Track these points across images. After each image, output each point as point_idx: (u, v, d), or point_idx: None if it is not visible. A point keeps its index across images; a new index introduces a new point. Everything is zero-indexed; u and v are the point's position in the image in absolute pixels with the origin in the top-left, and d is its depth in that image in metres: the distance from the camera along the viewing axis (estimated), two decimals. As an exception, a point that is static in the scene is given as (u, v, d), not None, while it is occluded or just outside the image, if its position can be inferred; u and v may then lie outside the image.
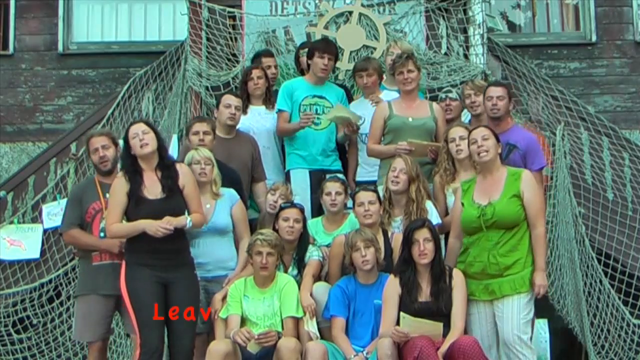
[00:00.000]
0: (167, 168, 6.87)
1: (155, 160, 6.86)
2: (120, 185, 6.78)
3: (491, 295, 6.77)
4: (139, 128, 6.84)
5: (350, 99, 8.84)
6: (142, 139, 6.77)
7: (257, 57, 9.29)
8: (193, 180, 7.04)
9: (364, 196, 7.34)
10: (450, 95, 8.56)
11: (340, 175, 8.17)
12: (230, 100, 8.24)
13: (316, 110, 8.47)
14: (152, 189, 6.78)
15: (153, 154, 6.84)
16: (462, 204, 6.98)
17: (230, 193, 7.56)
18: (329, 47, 8.59)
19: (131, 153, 6.83)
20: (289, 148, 8.54)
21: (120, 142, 7.28)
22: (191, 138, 7.78)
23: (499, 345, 6.81)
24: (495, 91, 7.86)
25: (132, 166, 6.82)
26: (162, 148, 6.96)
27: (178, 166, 6.97)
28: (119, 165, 7.37)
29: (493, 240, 6.75)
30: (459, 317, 6.75)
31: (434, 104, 8.34)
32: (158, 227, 6.55)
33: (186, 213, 6.83)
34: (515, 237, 6.77)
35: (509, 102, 7.93)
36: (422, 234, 6.79)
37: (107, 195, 7.13)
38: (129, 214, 6.74)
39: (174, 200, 6.79)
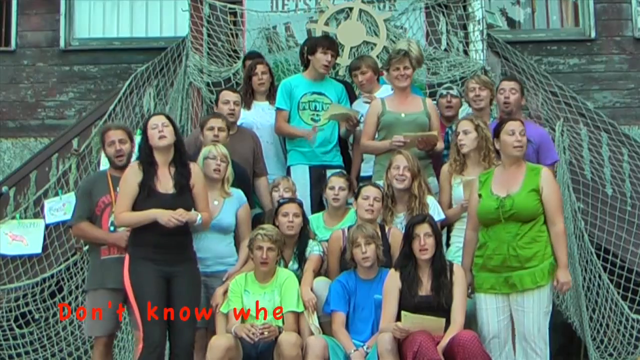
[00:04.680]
0: (182, 165, 6.90)
1: (171, 156, 6.88)
2: (133, 174, 6.81)
3: (512, 289, 6.72)
4: (159, 120, 6.87)
5: (351, 94, 8.84)
6: (162, 130, 6.79)
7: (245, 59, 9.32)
8: (203, 180, 7.06)
9: (371, 191, 7.37)
10: (451, 91, 8.59)
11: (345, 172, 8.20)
12: (228, 96, 8.26)
13: (315, 107, 8.48)
14: (164, 183, 6.81)
15: (169, 148, 6.85)
16: (480, 195, 6.95)
17: (239, 194, 7.58)
18: (333, 44, 8.61)
19: (148, 144, 6.86)
20: (290, 145, 8.54)
21: (137, 137, 7.32)
22: (206, 133, 7.75)
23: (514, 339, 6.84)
24: (508, 84, 8.02)
25: (148, 157, 6.84)
26: (180, 144, 6.97)
27: (190, 165, 6.99)
28: (132, 159, 7.39)
29: (512, 232, 6.72)
30: (458, 312, 6.77)
31: (427, 99, 8.38)
32: (170, 217, 6.59)
33: (193, 211, 6.86)
34: (533, 230, 6.73)
35: (521, 96, 8.00)
36: (423, 229, 6.81)
37: (118, 189, 7.10)
38: (138, 205, 6.75)
39: (183, 197, 6.81)
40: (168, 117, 7.00)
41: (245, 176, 7.90)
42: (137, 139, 7.22)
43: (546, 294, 6.74)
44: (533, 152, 7.65)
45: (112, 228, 7.21)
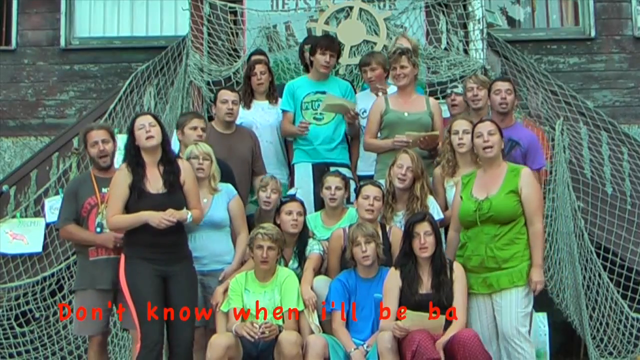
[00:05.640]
0: (169, 163, 6.89)
1: (159, 155, 6.89)
2: (122, 177, 6.81)
3: (489, 289, 6.76)
4: (145, 120, 6.86)
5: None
6: (149, 130, 6.80)
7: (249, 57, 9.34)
8: (193, 176, 7.06)
9: (372, 191, 7.36)
10: (456, 90, 8.57)
11: (343, 170, 8.16)
12: (227, 95, 8.23)
13: (317, 105, 8.43)
14: (154, 183, 6.81)
15: (157, 147, 6.86)
16: (461, 197, 7.00)
17: (227, 188, 7.55)
18: (331, 44, 8.58)
19: (135, 144, 6.86)
20: (295, 143, 8.56)
21: (120, 136, 7.31)
22: (188, 132, 7.71)
23: (498, 339, 6.84)
24: (503, 85, 7.94)
25: (135, 158, 6.84)
26: (166, 143, 6.97)
27: (179, 162, 7.00)
28: (115, 160, 7.39)
29: (490, 233, 6.75)
30: (460, 310, 6.77)
31: (431, 98, 8.34)
32: (161, 218, 6.59)
33: (185, 209, 6.86)
34: (512, 231, 6.76)
35: (515, 96, 8.00)
36: (423, 228, 6.81)
37: (103, 189, 7.15)
38: (130, 207, 6.76)
39: (175, 196, 6.82)
40: (155, 117, 7.00)
41: (229, 174, 7.82)
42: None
43: (524, 295, 6.75)
44: (521, 156, 7.63)
45: (98, 229, 7.20)
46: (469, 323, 6.87)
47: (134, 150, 6.87)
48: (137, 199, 6.75)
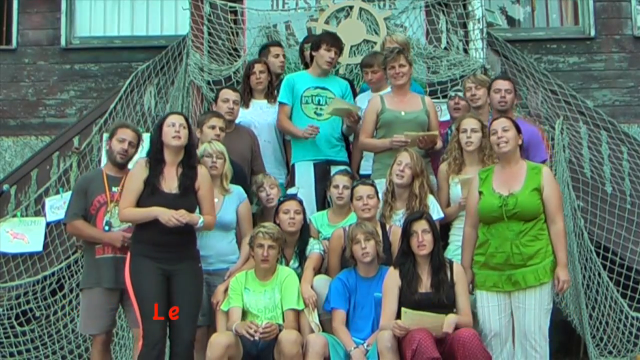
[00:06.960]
0: (189, 167, 6.92)
1: (180, 156, 6.91)
2: (139, 171, 6.84)
3: (515, 286, 6.72)
4: (178, 119, 6.90)
5: (353, 92, 8.86)
6: (178, 130, 6.83)
7: (264, 49, 9.35)
8: (209, 183, 7.07)
9: (363, 190, 7.37)
10: (459, 94, 8.58)
11: (350, 169, 8.21)
12: (228, 94, 8.27)
13: (319, 100, 8.46)
14: (169, 182, 6.83)
15: (180, 149, 6.88)
16: (481, 193, 6.93)
17: (239, 191, 7.59)
18: (337, 41, 8.57)
19: (161, 139, 6.88)
20: (294, 141, 8.53)
21: (145, 136, 7.34)
22: (206, 131, 7.75)
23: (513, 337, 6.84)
24: (503, 84, 8.01)
25: (157, 154, 6.88)
26: (191, 146, 6.99)
27: (199, 168, 7.01)
28: (130, 164, 7.39)
29: (515, 230, 6.71)
30: (465, 310, 6.81)
31: (426, 97, 8.38)
32: (171, 216, 6.61)
33: (197, 213, 6.89)
34: (535, 228, 6.73)
35: (515, 95, 8.02)
36: (421, 226, 6.83)
37: (114, 188, 7.18)
38: (141, 202, 6.78)
39: (187, 199, 6.83)
40: (187, 119, 7.02)
41: (242, 174, 7.89)
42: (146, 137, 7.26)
43: (547, 292, 6.73)
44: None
45: (106, 228, 7.22)
46: (488, 321, 6.84)
47: (159, 145, 6.90)
48: (150, 194, 6.77)
